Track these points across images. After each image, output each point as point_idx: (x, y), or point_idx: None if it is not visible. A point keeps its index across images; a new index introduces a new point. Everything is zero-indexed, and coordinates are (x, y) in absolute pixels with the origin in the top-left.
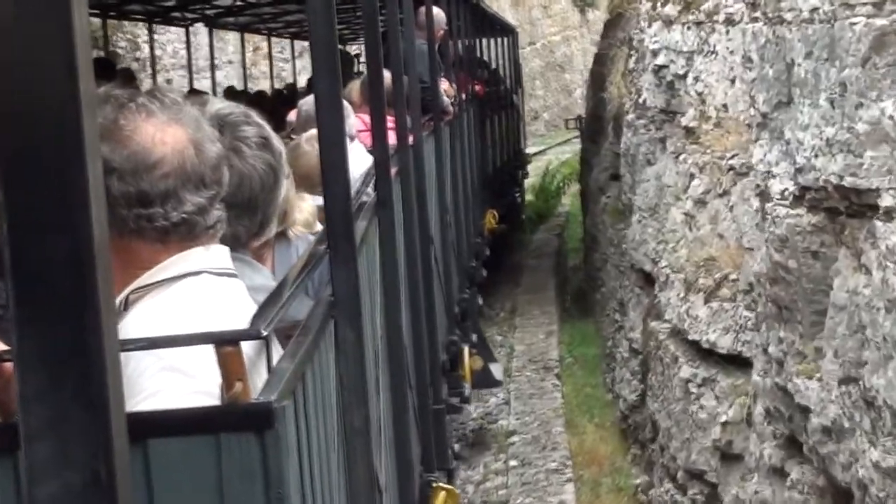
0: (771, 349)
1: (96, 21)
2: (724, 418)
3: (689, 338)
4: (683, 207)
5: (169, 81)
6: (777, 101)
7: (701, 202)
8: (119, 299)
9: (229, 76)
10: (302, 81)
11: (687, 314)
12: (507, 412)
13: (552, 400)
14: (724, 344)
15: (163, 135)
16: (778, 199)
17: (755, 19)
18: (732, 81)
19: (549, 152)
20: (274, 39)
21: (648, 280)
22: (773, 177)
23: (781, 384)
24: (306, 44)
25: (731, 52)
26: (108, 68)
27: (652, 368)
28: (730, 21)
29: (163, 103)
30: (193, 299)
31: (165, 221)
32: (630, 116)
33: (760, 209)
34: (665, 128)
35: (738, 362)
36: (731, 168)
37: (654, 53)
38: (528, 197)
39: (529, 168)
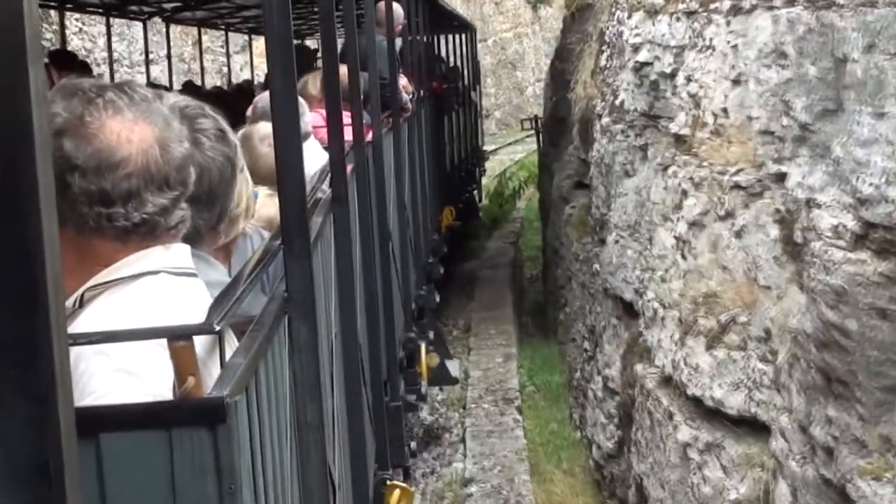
0: (815, 431)
1: (53, 13)
2: (734, 495)
3: (689, 392)
4: (674, 230)
5: (100, 76)
6: (821, 108)
7: (697, 225)
8: (75, 296)
9: (165, 70)
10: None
11: (684, 362)
12: (463, 453)
13: (514, 440)
14: (734, 403)
15: (129, 133)
16: (829, 238)
17: (791, 2)
18: (735, 82)
19: (502, 151)
20: (213, 33)
21: (629, 310)
22: (818, 206)
23: (835, 481)
24: (246, 38)
25: (734, 47)
26: (69, 61)
27: (637, 422)
28: (736, 9)
29: (132, 99)
30: (150, 298)
31: (126, 221)
32: (605, 120)
33: (781, 239)
34: (647, 134)
35: (751, 426)
36: (737, 185)
37: (635, 48)
38: (483, 201)
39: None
